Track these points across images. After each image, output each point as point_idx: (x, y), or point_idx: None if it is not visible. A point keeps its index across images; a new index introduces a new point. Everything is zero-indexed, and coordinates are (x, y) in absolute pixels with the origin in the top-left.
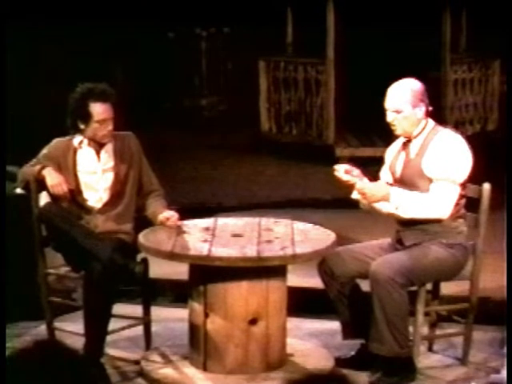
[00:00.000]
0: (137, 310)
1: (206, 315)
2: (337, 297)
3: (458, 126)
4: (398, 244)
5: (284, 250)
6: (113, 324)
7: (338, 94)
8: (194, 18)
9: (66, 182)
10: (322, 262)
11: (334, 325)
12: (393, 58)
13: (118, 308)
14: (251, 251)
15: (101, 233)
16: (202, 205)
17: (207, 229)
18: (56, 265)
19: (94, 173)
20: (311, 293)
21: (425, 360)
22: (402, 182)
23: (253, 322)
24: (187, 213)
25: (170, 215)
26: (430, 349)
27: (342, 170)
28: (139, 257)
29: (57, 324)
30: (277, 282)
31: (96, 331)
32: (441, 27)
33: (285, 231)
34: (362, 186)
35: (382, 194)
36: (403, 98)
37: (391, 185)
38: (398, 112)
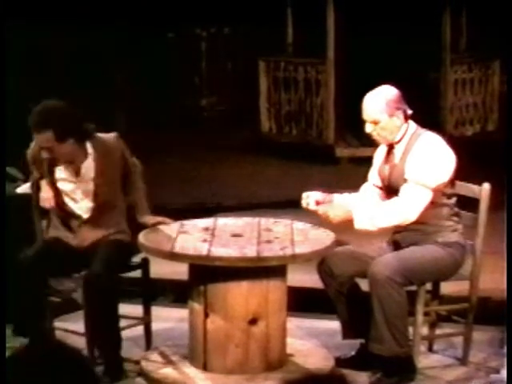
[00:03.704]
0: (137, 309)
1: (206, 315)
2: (336, 296)
3: (457, 126)
4: (394, 246)
5: (284, 250)
6: None
7: (337, 94)
8: (194, 18)
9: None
10: (322, 262)
11: (334, 324)
12: (393, 58)
13: (119, 308)
14: (251, 251)
15: (93, 243)
16: (201, 205)
17: (207, 229)
18: None
19: (72, 182)
20: (311, 292)
21: (425, 360)
22: (390, 187)
23: (253, 321)
24: (187, 213)
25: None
26: (429, 349)
27: (312, 201)
28: (139, 257)
29: (57, 324)
30: (277, 282)
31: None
32: (441, 27)
33: (284, 231)
34: (323, 211)
35: (344, 213)
36: (378, 108)
37: (380, 188)
38: (375, 123)
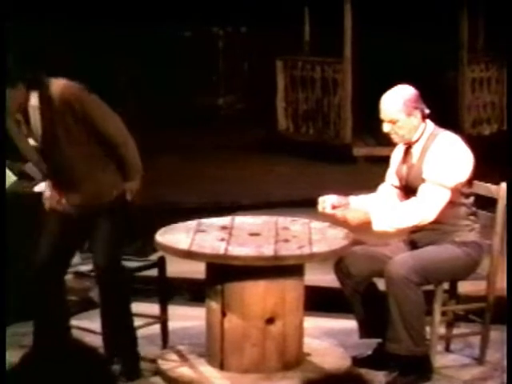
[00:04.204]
0: (154, 308)
1: (223, 314)
2: (353, 296)
3: (475, 125)
4: (411, 245)
5: (301, 249)
6: None
7: (355, 94)
8: (211, 17)
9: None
10: (339, 261)
11: (351, 324)
12: (410, 57)
13: (135, 306)
14: (268, 250)
15: (82, 206)
16: (218, 204)
17: (224, 227)
18: (73, 263)
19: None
20: (327, 292)
21: (441, 359)
22: (408, 187)
23: (270, 321)
24: (203, 212)
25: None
26: (446, 348)
27: (328, 205)
28: (156, 255)
29: (74, 322)
30: (294, 281)
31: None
32: (458, 26)
33: (302, 230)
34: (341, 215)
35: (362, 215)
36: (396, 108)
37: (398, 188)
38: (393, 122)
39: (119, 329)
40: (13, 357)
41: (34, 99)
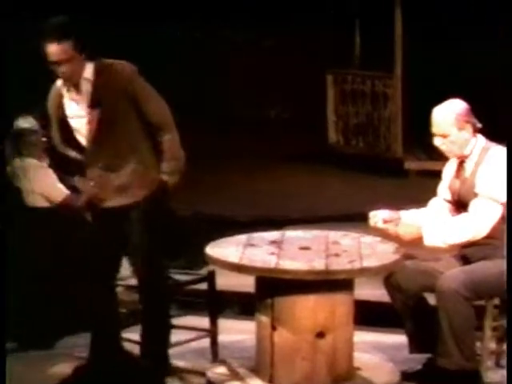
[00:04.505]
0: (204, 321)
1: (274, 328)
2: (403, 310)
3: None
4: (463, 260)
5: (352, 263)
6: (179, 336)
7: (405, 107)
8: (261, 27)
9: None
10: (389, 276)
11: (400, 338)
12: (460, 70)
13: (185, 320)
14: (319, 264)
15: (117, 201)
16: (268, 217)
17: (274, 242)
18: (124, 276)
19: (82, 116)
20: (377, 306)
21: (492, 375)
22: (460, 201)
23: (320, 335)
24: (253, 225)
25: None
26: (497, 363)
27: (379, 220)
28: (205, 269)
29: (124, 335)
30: (344, 296)
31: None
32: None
33: (352, 245)
34: (394, 230)
35: (414, 231)
36: (448, 122)
37: (450, 203)
38: (444, 136)
39: (156, 339)
40: (66, 368)
41: (89, 70)
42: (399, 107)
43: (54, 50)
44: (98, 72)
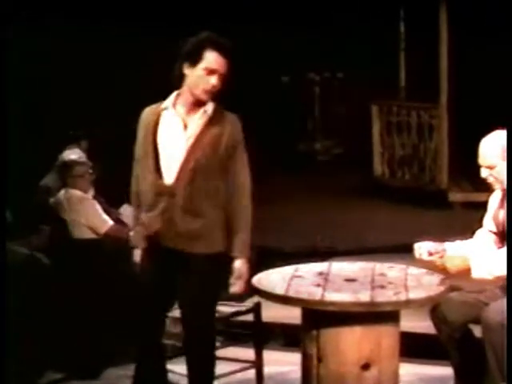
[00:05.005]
0: (249, 353)
1: (319, 360)
2: (449, 342)
3: None
4: (505, 291)
5: (397, 295)
6: (225, 367)
7: (451, 138)
8: (308, 62)
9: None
10: (435, 307)
11: (447, 371)
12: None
13: (230, 351)
14: (364, 296)
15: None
16: (314, 249)
17: (321, 273)
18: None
19: (178, 148)
20: (423, 338)
21: None
22: (505, 233)
23: (365, 367)
24: (300, 256)
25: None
26: None
27: (424, 252)
28: (251, 301)
29: (170, 366)
30: (390, 328)
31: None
32: None
33: (398, 276)
34: (440, 263)
35: (461, 263)
36: (494, 153)
37: (495, 234)
38: (490, 168)
39: (201, 371)
40: None
41: (210, 105)
42: (445, 138)
43: (225, 62)
44: (215, 111)
